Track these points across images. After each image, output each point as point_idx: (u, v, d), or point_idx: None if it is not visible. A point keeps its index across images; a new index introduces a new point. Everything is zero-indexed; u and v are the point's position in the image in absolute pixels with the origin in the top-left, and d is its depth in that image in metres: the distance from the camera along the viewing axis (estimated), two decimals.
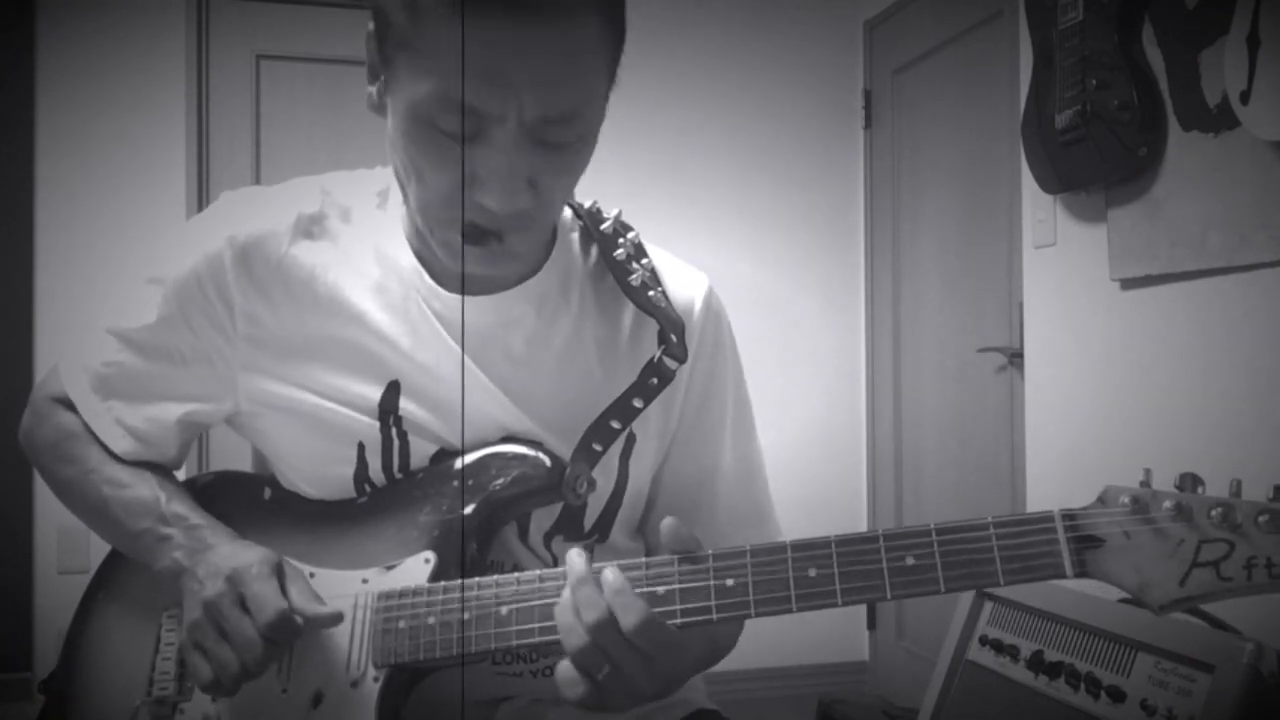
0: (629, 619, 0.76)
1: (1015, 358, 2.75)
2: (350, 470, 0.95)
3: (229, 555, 0.89)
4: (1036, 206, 2.58)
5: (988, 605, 1.64)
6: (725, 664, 1.02)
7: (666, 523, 0.81)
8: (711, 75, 3.45)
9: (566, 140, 0.83)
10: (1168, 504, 0.73)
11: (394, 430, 0.94)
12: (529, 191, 0.83)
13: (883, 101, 3.46)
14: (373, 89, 0.87)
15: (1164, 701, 1.30)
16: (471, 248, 0.86)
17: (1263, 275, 1.96)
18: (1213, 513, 0.71)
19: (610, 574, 0.78)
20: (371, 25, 0.84)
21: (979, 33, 2.96)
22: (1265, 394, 1.96)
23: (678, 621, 0.79)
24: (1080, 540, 0.74)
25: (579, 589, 0.78)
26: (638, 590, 0.80)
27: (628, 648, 0.77)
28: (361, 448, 0.95)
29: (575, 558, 0.80)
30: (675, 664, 0.80)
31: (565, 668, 0.78)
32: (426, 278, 0.94)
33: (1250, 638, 1.26)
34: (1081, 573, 0.74)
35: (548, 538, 0.98)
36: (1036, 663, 1.50)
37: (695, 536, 0.82)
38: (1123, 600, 1.42)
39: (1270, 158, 1.91)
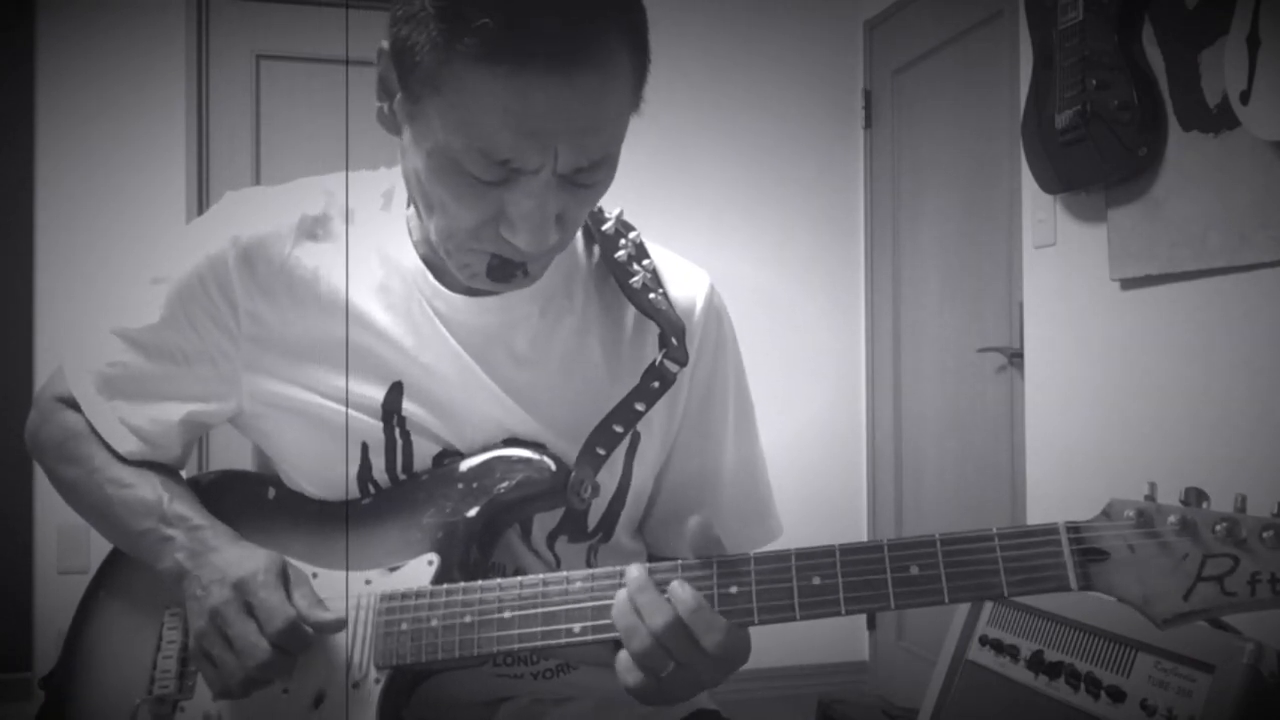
0: (711, 638, 0.77)
1: (1015, 358, 2.75)
2: (354, 470, 0.95)
3: (233, 561, 0.89)
4: (1036, 206, 2.58)
5: (988, 606, 1.65)
6: None
7: (694, 522, 0.81)
8: (712, 75, 3.45)
9: (596, 180, 0.84)
10: (1172, 518, 0.73)
11: (397, 431, 0.94)
12: (557, 227, 0.84)
13: (883, 101, 3.46)
14: (383, 105, 0.86)
15: (1164, 701, 1.30)
16: (490, 279, 0.87)
17: (1263, 275, 1.96)
18: (1217, 528, 0.71)
19: (681, 590, 0.79)
20: (386, 45, 0.83)
21: (979, 33, 2.96)
22: (1266, 394, 1.96)
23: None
24: (1085, 553, 0.74)
25: (640, 595, 0.79)
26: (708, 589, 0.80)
27: (699, 652, 0.78)
28: (365, 448, 0.95)
29: (636, 569, 0.81)
30: (739, 656, 0.80)
31: (625, 659, 0.79)
32: (430, 278, 0.95)
33: (1250, 638, 1.26)
34: (1086, 585, 0.74)
35: (551, 538, 0.98)
36: (1036, 663, 1.50)
37: (719, 538, 0.82)
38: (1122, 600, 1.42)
39: (1270, 158, 1.91)
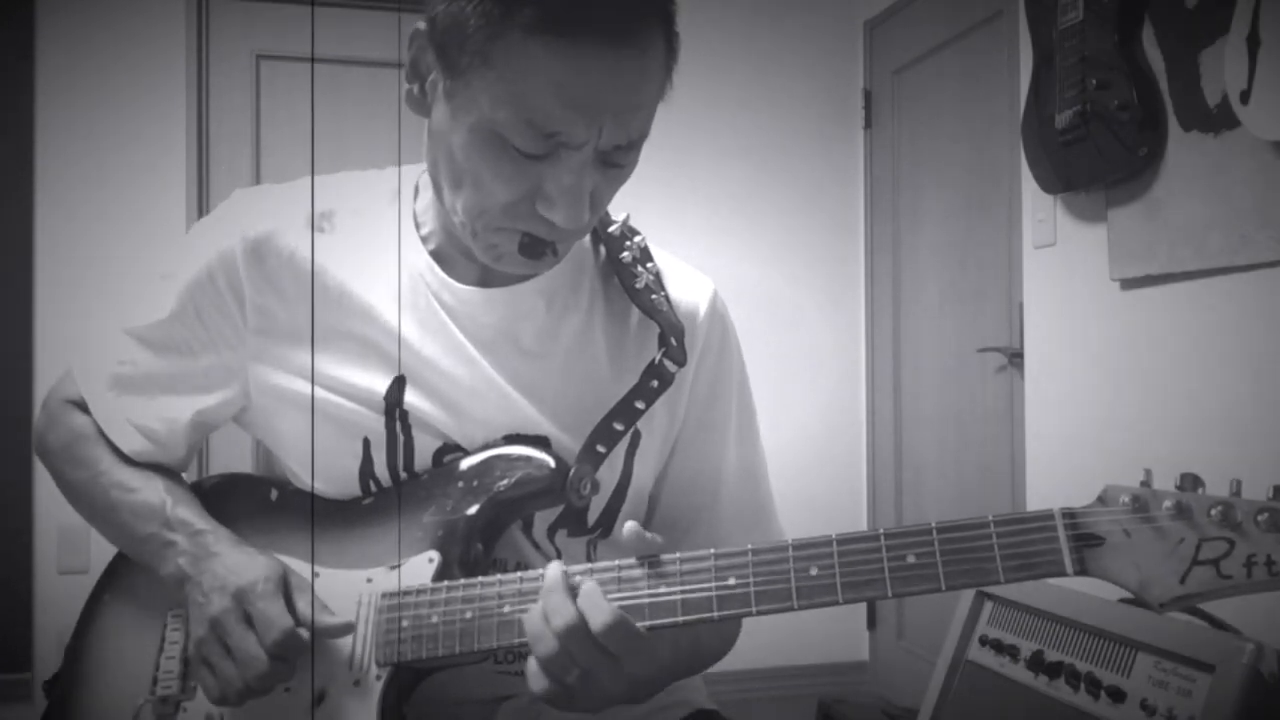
0: (598, 619, 0.77)
1: (1015, 358, 2.75)
2: (356, 465, 0.96)
3: (233, 569, 0.89)
4: (1036, 206, 2.58)
5: (988, 605, 1.65)
6: (725, 664, 1.02)
7: (629, 526, 0.82)
8: (712, 75, 3.45)
9: (629, 160, 0.85)
10: (1168, 503, 0.73)
11: (399, 425, 0.95)
12: (590, 206, 0.85)
13: (883, 101, 3.46)
14: (414, 87, 0.87)
15: (1164, 701, 1.30)
16: (523, 257, 0.88)
17: (1263, 275, 1.96)
18: (1213, 511, 0.71)
19: (588, 584, 0.80)
20: (423, 25, 0.84)
21: (979, 33, 2.96)
22: (1266, 394, 1.96)
23: (679, 619, 0.80)
24: (1080, 538, 0.74)
25: (548, 596, 0.80)
26: (637, 592, 0.81)
27: (596, 651, 0.78)
28: (366, 442, 0.95)
29: (552, 568, 0.82)
30: (644, 665, 0.80)
31: (534, 666, 0.79)
32: (438, 270, 0.95)
33: (1250, 638, 1.26)
34: (1081, 570, 0.74)
35: (551, 531, 0.99)
36: (1036, 663, 1.50)
37: (658, 540, 0.82)
38: (1123, 600, 1.42)
39: (1270, 158, 1.91)
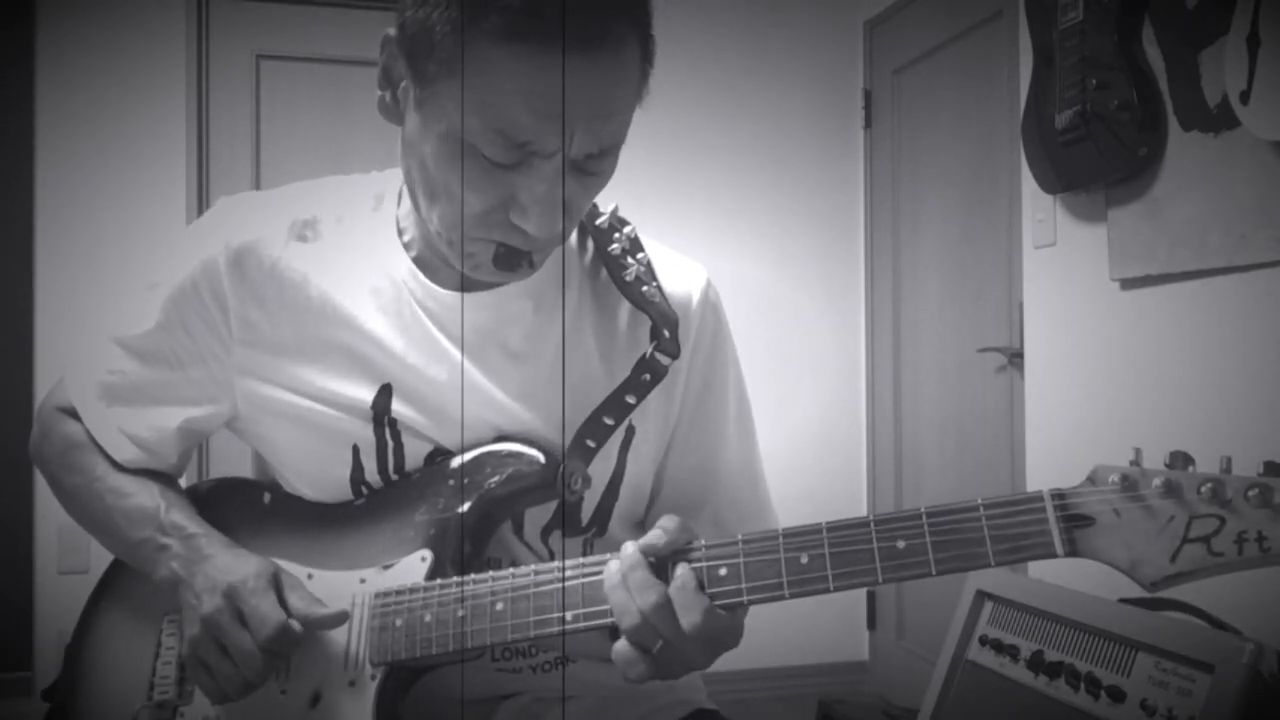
0: (688, 619, 0.78)
1: (1015, 358, 2.75)
2: (347, 471, 0.95)
3: (225, 568, 0.90)
4: (1036, 206, 2.58)
5: (988, 605, 1.64)
6: (725, 664, 1.02)
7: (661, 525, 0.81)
8: (711, 75, 3.45)
9: (603, 168, 0.84)
10: (1157, 481, 0.73)
11: (387, 432, 0.94)
12: (565, 215, 0.84)
13: (883, 101, 3.46)
14: (386, 94, 0.86)
15: (1164, 701, 1.30)
16: (496, 268, 0.87)
17: (1263, 275, 1.96)
18: (1202, 489, 0.71)
19: (681, 569, 0.79)
20: (393, 31, 0.83)
21: (979, 33, 2.96)
22: (1265, 394, 1.95)
23: None
24: (1070, 519, 0.74)
25: (631, 574, 0.79)
26: None
27: (681, 632, 0.78)
28: (356, 450, 0.95)
29: (629, 546, 0.81)
30: (724, 639, 0.81)
31: (623, 647, 0.79)
32: (422, 277, 0.95)
33: (1250, 638, 1.26)
34: (1071, 551, 0.73)
35: (545, 532, 0.98)
36: (1036, 663, 1.50)
37: (681, 527, 0.82)
38: (1123, 600, 1.42)
39: (1270, 158, 1.91)
